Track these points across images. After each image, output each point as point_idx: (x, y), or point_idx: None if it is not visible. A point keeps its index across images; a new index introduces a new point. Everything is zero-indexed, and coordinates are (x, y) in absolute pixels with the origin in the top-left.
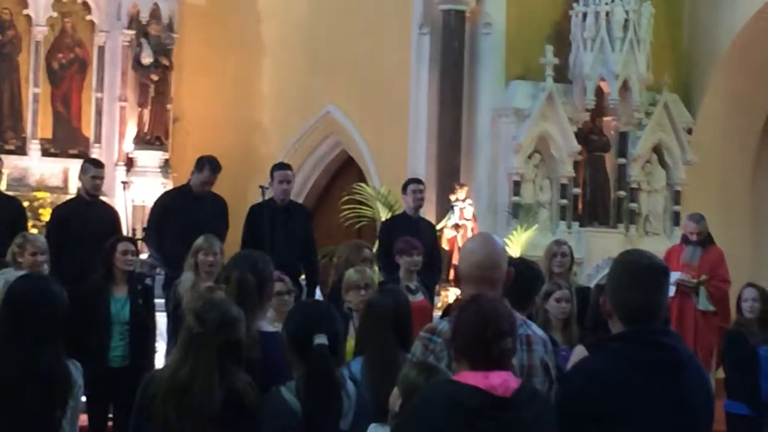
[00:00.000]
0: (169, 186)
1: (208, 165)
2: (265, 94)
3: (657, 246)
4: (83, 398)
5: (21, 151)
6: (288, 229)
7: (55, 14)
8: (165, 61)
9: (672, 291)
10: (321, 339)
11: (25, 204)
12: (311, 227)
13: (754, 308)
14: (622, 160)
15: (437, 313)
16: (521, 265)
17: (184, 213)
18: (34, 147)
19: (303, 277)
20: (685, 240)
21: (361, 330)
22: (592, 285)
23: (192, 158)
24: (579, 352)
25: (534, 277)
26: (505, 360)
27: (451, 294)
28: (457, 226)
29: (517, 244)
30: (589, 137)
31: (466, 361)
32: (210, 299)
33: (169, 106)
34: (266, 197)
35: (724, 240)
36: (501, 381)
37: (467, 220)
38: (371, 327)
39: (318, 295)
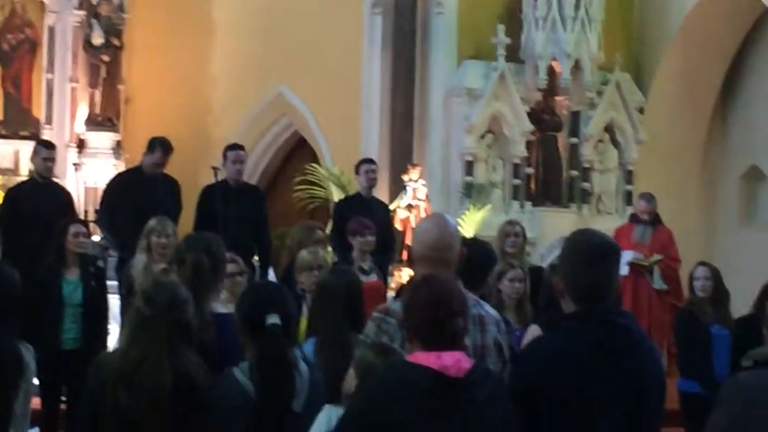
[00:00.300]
0: (121, 167)
1: (160, 146)
2: (217, 75)
3: (609, 225)
4: (35, 381)
5: None
6: (241, 210)
7: None
8: (116, 42)
9: (626, 271)
10: (274, 319)
11: None
12: (265, 208)
13: (706, 287)
14: (575, 140)
15: (391, 294)
16: (474, 245)
17: (136, 194)
18: None
19: (256, 258)
20: (634, 219)
21: (313, 311)
22: (545, 264)
23: (144, 139)
24: (533, 331)
25: (487, 258)
26: (458, 340)
27: (404, 274)
28: (410, 207)
29: (470, 224)
30: (542, 117)
31: (419, 341)
32: (158, 281)
33: (120, 87)
34: (218, 178)
35: (676, 219)
36: (454, 361)
37: (420, 200)
38: (323, 308)
39: (271, 276)
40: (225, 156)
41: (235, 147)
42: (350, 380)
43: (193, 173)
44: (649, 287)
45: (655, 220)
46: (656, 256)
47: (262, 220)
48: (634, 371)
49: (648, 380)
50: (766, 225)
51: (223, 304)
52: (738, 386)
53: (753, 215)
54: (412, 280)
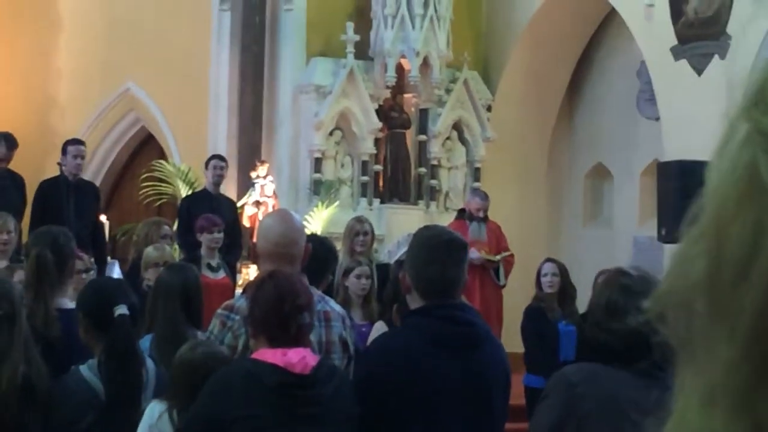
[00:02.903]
0: None
1: (4, 141)
2: (63, 69)
3: None
4: None
5: None
6: (79, 206)
7: None
8: None
9: None
10: (122, 310)
11: None
12: (99, 205)
13: (553, 282)
14: (423, 137)
15: (239, 291)
16: (314, 241)
17: None
18: None
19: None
20: (468, 217)
21: (150, 307)
22: (392, 261)
23: None
24: (379, 327)
25: (327, 253)
26: (303, 336)
27: (252, 271)
28: (257, 203)
29: (318, 221)
30: (390, 114)
31: (265, 338)
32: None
33: None
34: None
35: (522, 215)
36: (299, 358)
37: (268, 197)
38: (160, 304)
39: (117, 272)
40: (65, 151)
41: (75, 142)
42: None
43: (39, 169)
44: (493, 285)
45: (486, 216)
46: (505, 253)
47: (96, 216)
48: (478, 365)
49: (492, 374)
50: (611, 222)
51: (70, 300)
52: (565, 381)
53: (598, 213)
54: (258, 276)
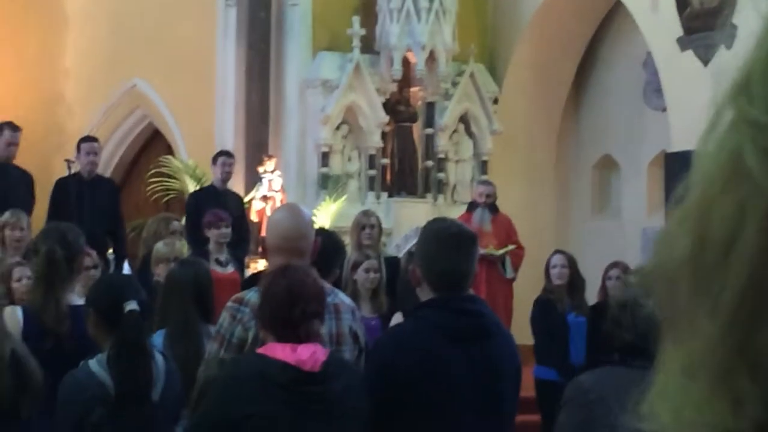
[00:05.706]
0: None
1: (7, 126)
2: (71, 66)
3: None
4: None
5: None
6: (95, 203)
7: None
8: None
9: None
10: (132, 305)
11: None
12: (118, 201)
13: (562, 274)
14: (430, 131)
15: None
16: (323, 235)
17: None
18: None
19: (110, 251)
20: (472, 206)
21: (162, 302)
22: (400, 255)
23: None
24: (396, 319)
25: (335, 247)
26: (312, 337)
27: (260, 266)
28: (265, 198)
29: (326, 215)
30: (397, 108)
31: (273, 334)
32: None
33: None
34: (72, 171)
35: (529, 208)
36: (310, 354)
37: (276, 191)
38: (172, 299)
39: (127, 269)
40: (79, 148)
41: (89, 139)
42: None
43: (47, 167)
44: (500, 277)
45: (493, 206)
46: (509, 246)
47: (115, 212)
48: (489, 357)
49: (502, 366)
50: (619, 213)
51: (79, 296)
52: (580, 388)
53: (606, 204)
54: (267, 270)
